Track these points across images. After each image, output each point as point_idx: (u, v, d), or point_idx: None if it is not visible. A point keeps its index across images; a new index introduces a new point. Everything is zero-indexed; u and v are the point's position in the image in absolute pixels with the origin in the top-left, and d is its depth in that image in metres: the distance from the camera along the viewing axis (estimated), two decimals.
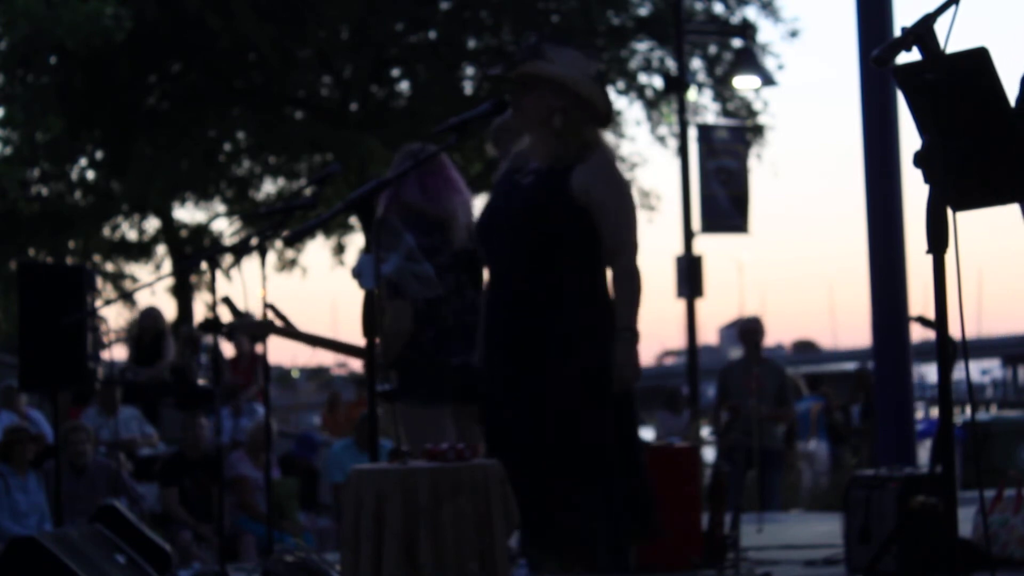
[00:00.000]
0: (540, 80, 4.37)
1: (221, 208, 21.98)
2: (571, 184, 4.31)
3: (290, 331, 5.68)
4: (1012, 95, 3.17)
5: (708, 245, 57.99)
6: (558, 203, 4.31)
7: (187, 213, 37.00)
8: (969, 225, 3.24)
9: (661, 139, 20.71)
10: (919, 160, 3.17)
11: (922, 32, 3.12)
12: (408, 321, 5.21)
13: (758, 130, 20.23)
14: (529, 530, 4.32)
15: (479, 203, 5.58)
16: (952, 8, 3.14)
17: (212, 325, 6.14)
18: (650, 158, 40.17)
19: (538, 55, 4.40)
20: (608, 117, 4.48)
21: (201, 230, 21.76)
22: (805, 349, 63.77)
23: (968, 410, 18.71)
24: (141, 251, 21.83)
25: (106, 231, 21.32)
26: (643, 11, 20.23)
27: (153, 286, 22.45)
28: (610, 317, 4.35)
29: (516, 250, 4.36)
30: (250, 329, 5.67)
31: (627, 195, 4.42)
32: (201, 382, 12.50)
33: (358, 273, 4.66)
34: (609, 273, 4.39)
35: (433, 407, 5.18)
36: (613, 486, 4.29)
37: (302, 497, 11.02)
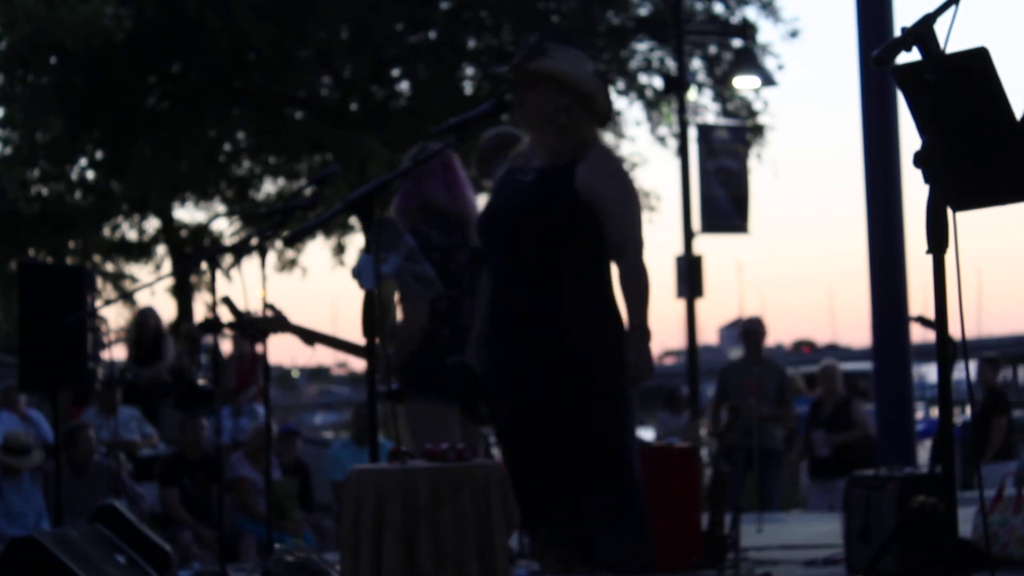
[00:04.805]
0: (544, 77, 4.37)
1: (221, 208, 21.98)
2: (575, 181, 4.30)
3: (301, 329, 5.68)
4: (1012, 94, 3.17)
5: (708, 245, 57.96)
6: (561, 200, 4.30)
7: (187, 213, 36.98)
8: (969, 225, 3.24)
9: (661, 139, 20.71)
10: (919, 160, 3.16)
11: (922, 32, 3.12)
12: (423, 321, 5.22)
13: (758, 130, 20.21)
14: (531, 530, 4.32)
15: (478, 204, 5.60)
16: (952, 8, 3.14)
17: (212, 325, 6.14)
18: (650, 158, 40.20)
19: (543, 52, 4.39)
20: (608, 115, 4.48)
21: (201, 230, 21.76)
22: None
23: (968, 410, 18.68)
24: (141, 251, 21.81)
25: (106, 231, 21.30)
26: (643, 11, 20.22)
27: (153, 286, 22.43)
28: (614, 314, 4.35)
29: (519, 249, 4.34)
30: (263, 325, 5.68)
31: (632, 192, 4.41)
32: (201, 382, 12.50)
33: (358, 273, 4.66)
34: (615, 271, 4.38)
35: (444, 405, 5.19)
36: (619, 488, 4.29)
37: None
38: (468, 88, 20.15)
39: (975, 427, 9.70)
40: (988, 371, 11.85)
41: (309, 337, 5.67)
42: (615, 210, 4.30)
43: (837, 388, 10.82)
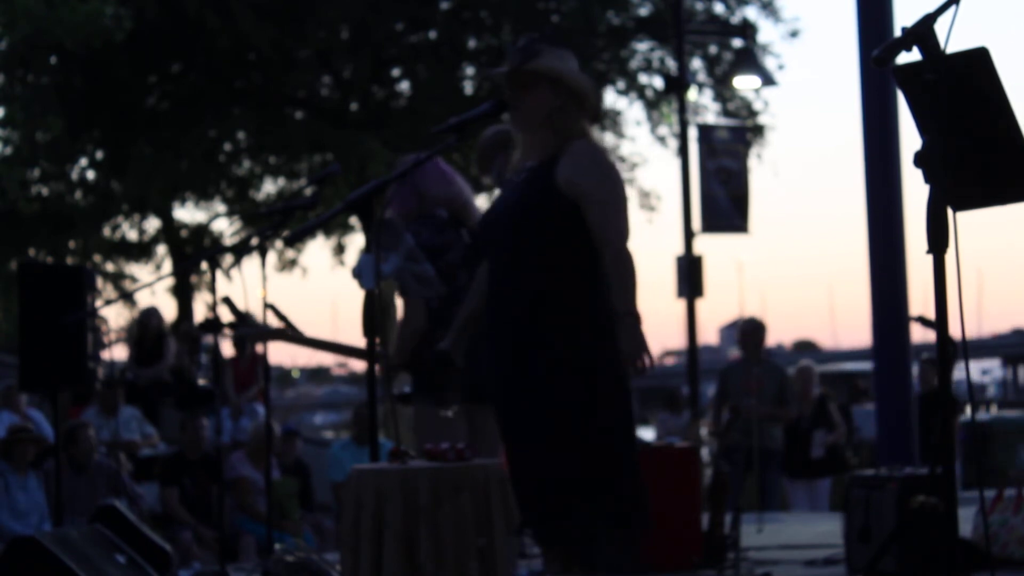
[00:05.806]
0: (540, 78, 4.37)
1: (221, 208, 21.99)
2: (556, 176, 4.31)
3: (297, 337, 5.68)
4: (1012, 94, 3.17)
5: (708, 245, 57.95)
6: (542, 197, 4.31)
7: (187, 213, 37.02)
8: (969, 225, 3.24)
9: (661, 139, 20.71)
10: (919, 160, 3.17)
11: (922, 32, 3.12)
12: (422, 321, 5.21)
13: (758, 130, 20.21)
14: (532, 529, 4.31)
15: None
16: (952, 8, 3.14)
17: (212, 325, 6.14)
18: (650, 158, 40.11)
19: (536, 54, 4.40)
20: (599, 113, 4.49)
21: (201, 230, 21.76)
22: (805, 349, 63.79)
23: (968, 410, 18.66)
24: (141, 251, 21.82)
25: (106, 231, 21.31)
26: (643, 11, 20.23)
27: (153, 286, 22.45)
28: (606, 308, 4.34)
29: (512, 247, 4.36)
30: (258, 337, 5.70)
31: (612, 180, 4.37)
32: (201, 382, 12.50)
33: (358, 273, 4.66)
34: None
35: (448, 407, 5.19)
36: (615, 485, 4.29)
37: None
38: (468, 88, 20.15)
39: (920, 429, 9.68)
40: (928, 372, 11.51)
41: (306, 343, 5.68)
42: (596, 198, 4.29)
43: (812, 390, 10.89)
